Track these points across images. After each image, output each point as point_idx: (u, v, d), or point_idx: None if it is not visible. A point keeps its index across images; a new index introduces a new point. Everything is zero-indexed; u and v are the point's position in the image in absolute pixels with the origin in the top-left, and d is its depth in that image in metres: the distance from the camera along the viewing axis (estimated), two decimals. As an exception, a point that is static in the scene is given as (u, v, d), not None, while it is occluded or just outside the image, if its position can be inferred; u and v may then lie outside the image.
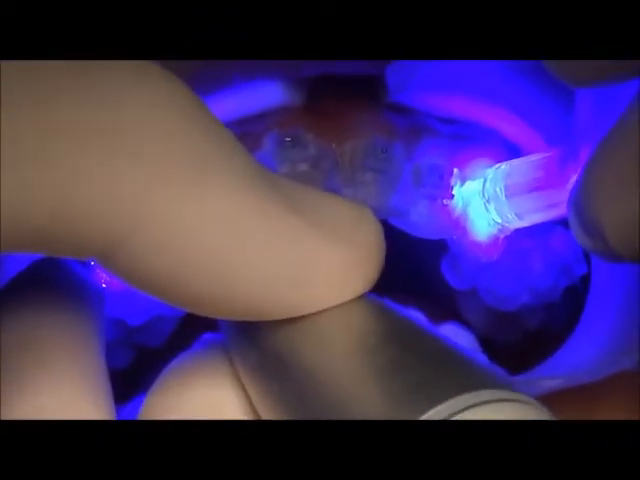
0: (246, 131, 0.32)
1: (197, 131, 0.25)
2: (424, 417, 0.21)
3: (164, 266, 0.25)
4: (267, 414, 0.27)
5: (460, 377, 0.23)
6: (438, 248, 0.37)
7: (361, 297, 0.28)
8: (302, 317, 0.27)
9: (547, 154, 0.33)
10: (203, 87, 0.32)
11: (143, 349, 0.37)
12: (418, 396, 0.22)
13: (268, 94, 0.36)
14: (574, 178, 0.30)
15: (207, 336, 0.31)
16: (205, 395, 0.28)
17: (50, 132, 0.22)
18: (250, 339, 0.28)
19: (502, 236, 0.35)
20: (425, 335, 0.25)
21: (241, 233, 0.25)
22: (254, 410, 0.27)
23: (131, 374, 0.33)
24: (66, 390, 0.27)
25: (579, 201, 0.28)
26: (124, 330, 0.35)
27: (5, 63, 0.23)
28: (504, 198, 0.33)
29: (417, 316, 0.34)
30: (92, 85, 0.23)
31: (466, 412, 0.22)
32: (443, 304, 0.40)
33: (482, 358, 0.26)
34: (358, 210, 0.29)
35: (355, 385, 0.24)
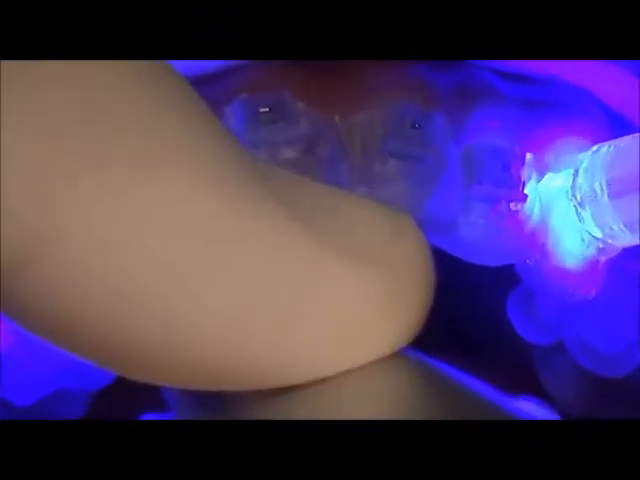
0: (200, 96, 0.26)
1: (158, 104, 0.22)
2: None
3: (84, 293, 0.21)
4: None
5: None
6: (503, 279, 0.32)
7: (398, 355, 0.25)
8: (303, 387, 0.24)
9: None
10: None
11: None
12: None
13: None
14: None
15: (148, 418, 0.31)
16: None
17: None
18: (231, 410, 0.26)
19: (604, 259, 0.30)
20: (477, 403, 0.24)
21: (208, 253, 0.22)
22: None
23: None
24: None
25: None
26: (8, 413, 0.32)
27: None
28: (607, 199, 0.29)
29: (471, 383, 0.27)
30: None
31: None
32: (513, 368, 0.34)
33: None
34: (394, 219, 0.25)
35: None
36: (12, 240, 0.21)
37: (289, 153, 0.29)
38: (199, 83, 0.31)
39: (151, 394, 0.26)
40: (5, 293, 0.22)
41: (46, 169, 0.21)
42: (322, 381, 0.25)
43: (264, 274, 0.23)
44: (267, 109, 0.29)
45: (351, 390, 0.25)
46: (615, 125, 0.32)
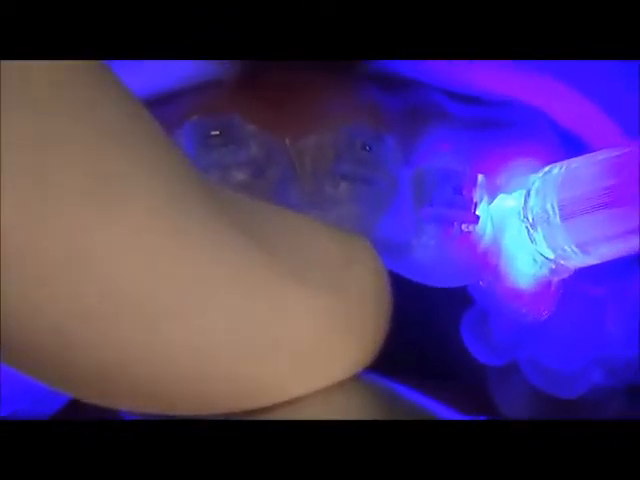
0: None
1: (102, 118, 0.22)
2: None
3: (42, 321, 0.22)
4: None
5: None
6: (457, 301, 0.32)
7: (355, 378, 0.26)
8: (268, 410, 0.25)
9: (625, 150, 0.29)
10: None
11: None
12: None
13: (186, 62, 0.32)
14: None
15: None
16: None
17: None
18: None
19: (556, 280, 0.31)
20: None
21: (170, 286, 0.22)
22: None
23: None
24: None
25: None
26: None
27: None
28: (559, 220, 0.29)
29: (426, 403, 0.29)
30: None
31: None
32: (467, 388, 0.35)
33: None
34: (349, 243, 0.26)
35: None
36: None
37: (240, 175, 0.29)
38: (151, 104, 0.31)
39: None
40: None
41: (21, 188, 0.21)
42: (280, 405, 0.25)
43: (224, 304, 0.23)
44: (218, 132, 0.29)
45: (308, 414, 0.25)
46: (567, 145, 0.32)
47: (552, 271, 0.30)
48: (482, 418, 0.27)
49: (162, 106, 0.32)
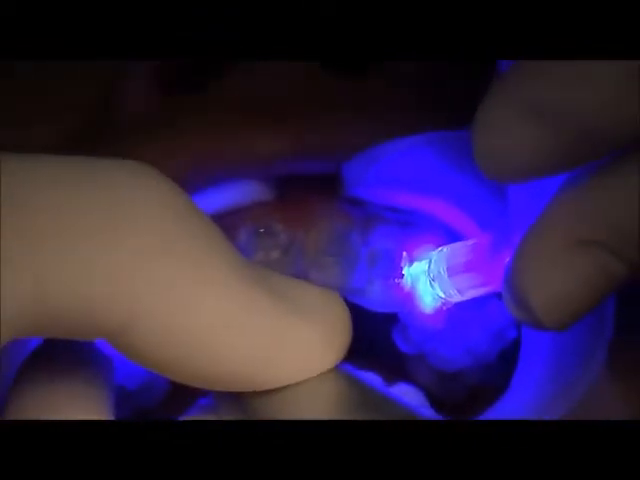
0: (224, 224, 0.33)
1: (190, 230, 0.27)
2: None
3: (162, 350, 0.27)
4: None
5: None
6: (390, 319, 0.40)
7: (332, 369, 0.31)
8: (283, 387, 0.30)
9: (482, 239, 0.36)
10: (190, 186, 0.34)
11: (139, 410, 0.39)
12: None
13: (244, 191, 0.39)
14: (507, 259, 0.34)
15: (202, 401, 0.34)
16: None
17: (59, 231, 0.25)
18: (237, 407, 0.31)
19: (445, 308, 0.38)
20: (385, 400, 0.30)
21: (230, 320, 0.27)
22: None
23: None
24: None
25: (511, 281, 0.32)
26: (123, 394, 0.37)
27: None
28: (446, 277, 0.36)
29: (374, 379, 0.37)
30: (91, 183, 0.26)
31: None
32: (396, 367, 0.43)
33: (429, 413, 0.30)
34: (327, 295, 0.32)
35: None
36: (107, 312, 0.26)
37: (274, 254, 0.37)
38: (224, 216, 0.39)
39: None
40: (115, 343, 0.27)
41: (146, 270, 0.26)
42: (294, 384, 0.30)
43: (262, 330, 0.28)
44: (262, 230, 0.37)
45: (304, 388, 0.30)
46: (450, 236, 0.40)
47: (443, 303, 0.37)
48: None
49: (229, 217, 0.39)
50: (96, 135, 0.37)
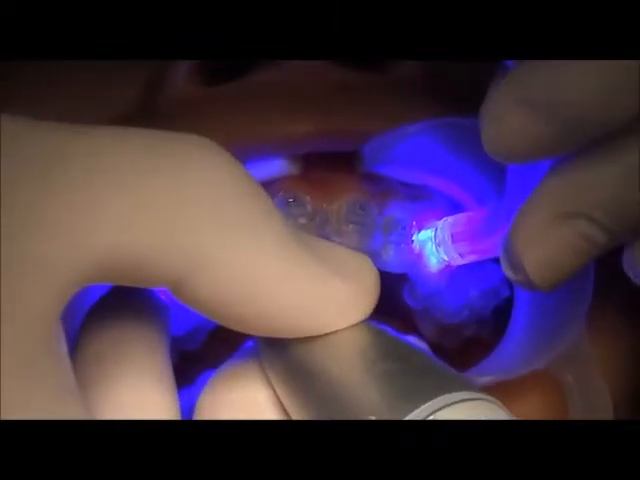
0: None
1: (248, 193, 0.29)
2: (411, 415, 0.26)
3: (220, 297, 0.28)
4: (294, 413, 0.31)
5: (439, 382, 0.27)
6: (401, 279, 0.43)
7: (362, 321, 0.32)
8: (320, 336, 0.31)
9: (480, 211, 0.39)
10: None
11: (183, 353, 0.41)
12: (408, 398, 0.27)
13: (275, 167, 0.41)
14: (501, 229, 0.36)
15: (247, 345, 0.36)
16: (244, 396, 0.32)
17: (131, 189, 0.26)
18: (278, 352, 0.32)
19: (448, 269, 0.41)
20: (407, 348, 0.31)
21: (281, 274, 0.29)
22: (283, 409, 0.31)
23: (177, 373, 0.34)
24: (144, 387, 0.30)
25: (508, 246, 0.35)
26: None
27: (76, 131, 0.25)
28: (450, 243, 0.39)
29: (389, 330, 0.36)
30: (159, 149, 0.27)
31: (445, 410, 0.26)
32: (405, 320, 0.45)
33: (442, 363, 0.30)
34: (360, 257, 0.33)
35: (362, 391, 0.28)
36: (174, 263, 0.27)
37: (302, 221, 0.39)
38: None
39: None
40: (179, 293, 0.28)
41: (209, 228, 0.27)
42: (330, 333, 0.31)
43: (306, 283, 0.29)
44: (292, 200, 0.39)
45: (339, 336, 0.31)
46: (455, 208, 0.42)
47: (446, 265, 0.40)
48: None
49: (264, 188, 0.33)
50: (142, 121, 0.39)
